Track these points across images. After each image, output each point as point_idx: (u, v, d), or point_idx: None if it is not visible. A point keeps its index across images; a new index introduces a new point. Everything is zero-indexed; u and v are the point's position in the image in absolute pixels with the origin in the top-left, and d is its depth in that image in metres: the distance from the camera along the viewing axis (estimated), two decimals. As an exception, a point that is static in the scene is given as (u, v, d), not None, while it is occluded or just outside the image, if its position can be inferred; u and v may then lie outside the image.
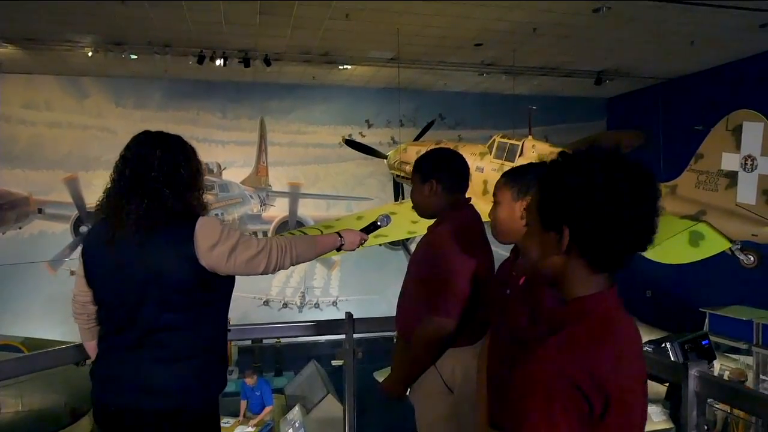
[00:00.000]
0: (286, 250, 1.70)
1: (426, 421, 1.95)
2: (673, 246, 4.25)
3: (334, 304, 9.60)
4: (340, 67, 8.23)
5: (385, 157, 8.12)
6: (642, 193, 0.94)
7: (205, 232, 1.57)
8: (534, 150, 5.73)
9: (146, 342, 1.56)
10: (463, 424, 1.87)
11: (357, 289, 9.53)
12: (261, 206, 9.45)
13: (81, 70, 8.37)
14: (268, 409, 6.21)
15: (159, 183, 1.56)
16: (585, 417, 0.87)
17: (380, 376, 5.14)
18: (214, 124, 9.14)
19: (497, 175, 6.65)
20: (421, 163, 2.02)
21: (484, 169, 6.18)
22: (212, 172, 9.08)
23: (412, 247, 8.21)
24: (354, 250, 1.97)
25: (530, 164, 1.72)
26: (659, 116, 8.39)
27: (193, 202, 1.62)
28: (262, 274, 1.68)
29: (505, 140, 6.04)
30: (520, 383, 0.91)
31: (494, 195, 1.68)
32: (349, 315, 2.36)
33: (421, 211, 2.04)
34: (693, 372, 1.63)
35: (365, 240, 2.00)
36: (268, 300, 9.40)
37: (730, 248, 4.40)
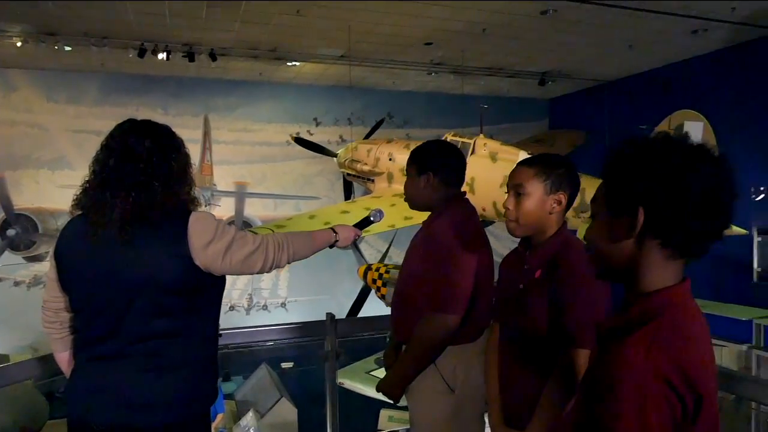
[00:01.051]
0: (283, 247, 1.62)
1: (425, 422, 1.89)
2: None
3: (283, 305, 9.42)
4: (289, 64, 8.08)
5: (335, 155, 8.04)
6: (720, 173, 0.93)
7: (199, 229, 1.47)
8: (485, 148, 5.81)
9: (134, 351, 1.43)
10: (465, 424, 1.83)
11: (306, 290, 9.39)
12: (205, 206, 9.15)
13: (8, 61, 7.83)
14: (220, 416, 6.00)
15: (148, 175, 1.43)
16: (677, 422, 0.82)
17: (343, 375, 5.07)
18: (155, 121, 8.75)
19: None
20: (418, 154, 1.98)
21: (437, 167, 6.21)
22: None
23: (362, 247, 8.16)
24: (347, 246, 1.91)
25: (556, 156, 1.70)
26: (605, 116, 8.71)
27: (183, 196, 1.50)
28: (258, 272, 1.59)
29: (457, 138, 6.09)
30: (605, 387, 0.85)
31: (517, 186, 1.62)
32: (330, 316, 2.28)
33: (415, 203, 2.00)
34: None
35: (359, 236, 1.94)
36: (214, 303, 9.10)
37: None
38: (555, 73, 8.97)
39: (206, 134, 9.10)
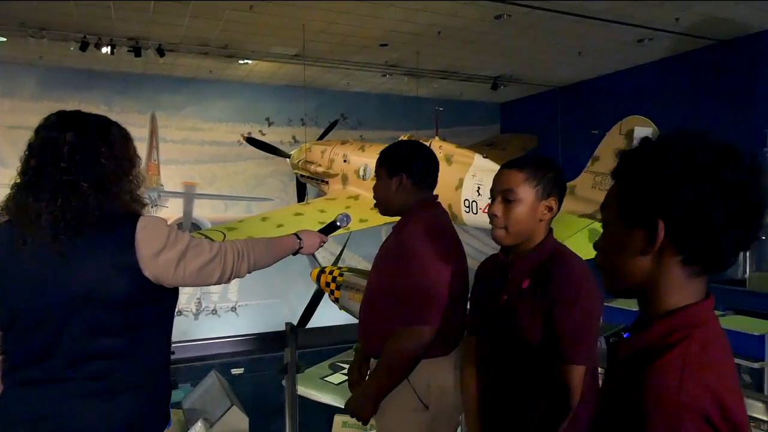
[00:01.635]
0: (243, 255, 1.48)
1: None
2: (575, 243, 4.44)
3: (233, 309, 9.18)
4: (240, 62, 7.88)
5: (288, 156, 7.88)
6: (753, 175, 0.81)
7: (148, 236, 1.32)
8: (441, 150, 5.79)
9: (74, 374, 1.27)
10: None
11: (257, 294, 9.17)
12: (152, 207, 8.79)
13: (-65, 52, 7.34)
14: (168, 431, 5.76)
15: (72, 175, 1.27)
16: None
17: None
18: (98, 118, 8.38)
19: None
20: (389, 155, 1.88)
21: (392, 169, 6.17)
22: (96, 170, 8.35)
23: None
24: (312, 253, 1.80)
25: (544, 158, 1.61)
26: (555, 121, 8.90)
27: (123, 197, 1.35)
28: (215, 284, 1.45)
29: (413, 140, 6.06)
30: (633, 420, 0.75)
31: (506, 191, 1.51)
32: (290, 326, 2.16)
33: (385, 207, 1.89)
34: None
35: (324, 242, 1.82)
36: (160, 308, 8.77)
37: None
38: (507, 78, 9.10)
39: (153, 133, 8.76)
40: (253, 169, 9.26)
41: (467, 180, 5.51)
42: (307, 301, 7.53)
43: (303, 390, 5.10)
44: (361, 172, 6.48)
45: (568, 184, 5.01)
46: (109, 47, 6.71)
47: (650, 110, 4.68)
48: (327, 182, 7.05)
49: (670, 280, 0.85)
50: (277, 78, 8.91)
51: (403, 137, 6.22)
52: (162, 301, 1.39)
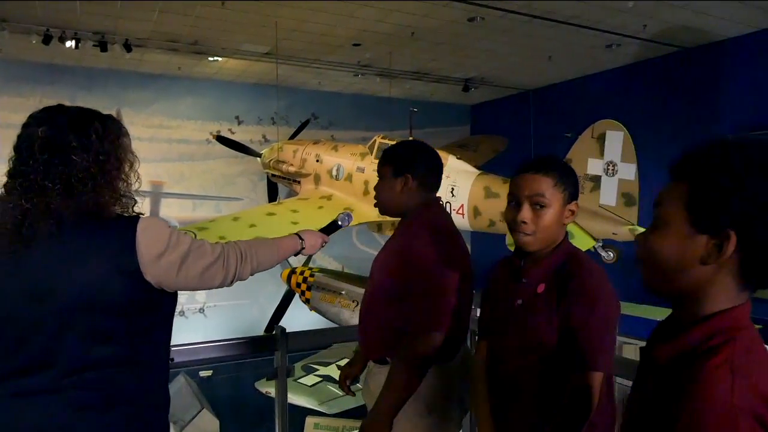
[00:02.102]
0: (246, 257, 1.42)
1: None
2: (549, 245, 4.51)
3: (201, 311, 9.01)
4: (210, 59, 7.73)
5: (259, 155, 7.78)
6: None
7: (149, 238, 1.25)
8: (415, 152, 5.82)
9: (70, 384, 1.19)
10: None
11: (226, 295, 9.01)
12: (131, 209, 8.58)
13: None
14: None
15: (39, 174, 1.19)
16: None
17: (269, 384, 4.85)
18: (60, 114, 8.11)
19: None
20: (395, 154, 1.84)
21: (365, 169, 6.14)
22: (58, 168, 8.08)
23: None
24: (314, 253, 1.75)
25: (560, 160, 1.60)
26: (524, 124, 9.01)
27: (100, 199, 1.25)
28: (217, 287, 1.39)
29: (386, 141, 6.05)
30: (682, 424, 0.73)
31: (537, 196, 1.48)
32: (281, 330, 2.10)
33: (387, 208, 1.85)
34: None
35: (326, 242, 1.78)
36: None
37: (594, 246, 4.78)
38: (478, 80, 9.17)
39: (118, 130, 8.54)
40: (222, 168, 9.11)
41: (442, 181, 5.53)
42: (277, 303, 7.46)
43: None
44: (334, 172, 6.44)
45: (541, 186, 5.13)
46: (73, 41, 6.49)
47: (617, 114, 4.77)
48: (299, 182, 6.99)
49: (721, 288, 0.83)
50: (248, 76, 8.79)
51: (377, 138, 6.22)
52: (162, 306, 1.33)
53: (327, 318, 7.14)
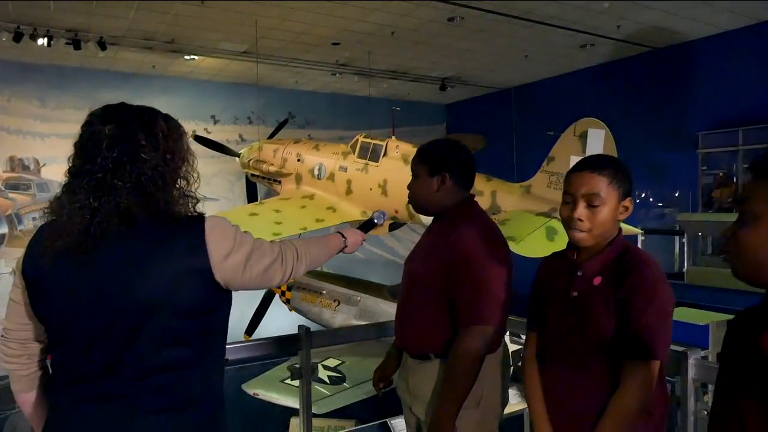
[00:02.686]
0: (302, 256, 1.42)
1: None
2: (534, 241, 4.58)
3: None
4: (186, 58, 7.63)
5: (238, 155, 7.69)
6: None
7: (218, 238, 1.23)
8: (398, 150, 5.83)
9: (141, 388, 1.16)
10: None
11: (204, 296, 8.90)
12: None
13: None
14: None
15: (108, 172, 1.16)
16: None
17: (256, 385, 4.84)
18: (30, 114, 7.86)
19: (361, 175, 6.51)
20: (430, 153, 1.85)
21: (348, 168, 6.14)
22: (28, 169, 7.86)
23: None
24: (354, 251, 1.76)
25: (613, 157, 1.62)
26: (499, 122, 9.12)
27: (169, 198, 1.23)
28: (276, 285, 1.40)
29: (369, 140, 6.06)
30: None
31: (592, 195, 1.51)
32: (306, 329, 2.09)
33: (423, 206, 1.87)
34: (691, 360, 1.72)
35: (364, 240, 1.80)
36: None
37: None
38: (455, 79, 9.25)
39: (91, 130, 8.34)
40: (198, 168, 8.97)
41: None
42: (258, 303, 7.39)
43: (264, 394, 5.01)
44: (316, 172, 6.42)
45: (523, 183, 5.19)
46: (45, 39, 6.32)
47: (590, 112, 4.87)
48: (279, 182, 6.93)
49: None
50: (224, 75, 8.70)
51: (359, 137, 6.22)
52: (225, 306, 1.30)
53: (308, 318, 7.11)
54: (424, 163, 1.85)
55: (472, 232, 1.73)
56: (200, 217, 1.26)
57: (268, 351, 2.04)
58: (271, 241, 1.39)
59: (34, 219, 7.86)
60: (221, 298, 1.28)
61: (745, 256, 0.97)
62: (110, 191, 1.17)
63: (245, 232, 1.33)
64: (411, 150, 5.85)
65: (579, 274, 1.55)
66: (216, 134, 8.95)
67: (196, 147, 7.09)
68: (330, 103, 9.96)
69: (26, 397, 1.32)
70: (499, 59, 8.00)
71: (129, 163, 1.19)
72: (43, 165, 8.04)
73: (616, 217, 1.54)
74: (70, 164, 1.23)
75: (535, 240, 4.67)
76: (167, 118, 1.29)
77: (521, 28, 6.60)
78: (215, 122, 9.23)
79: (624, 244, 1.57)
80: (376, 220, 1.91)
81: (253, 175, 7.32)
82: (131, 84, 8.40)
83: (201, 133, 8.71)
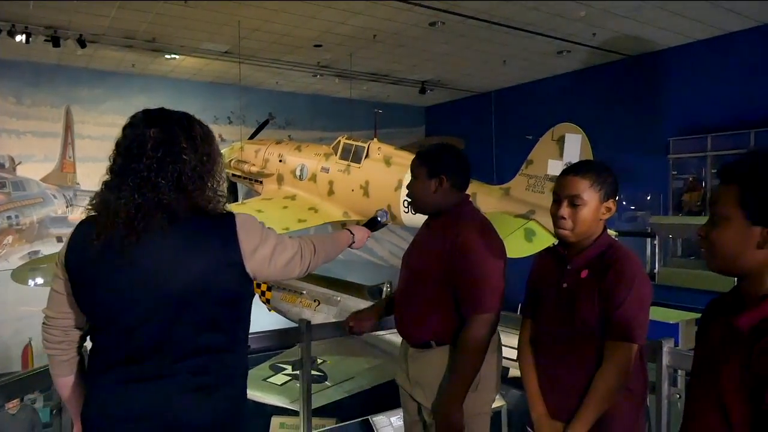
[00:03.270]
0: (317, 251, 1.54)
1: None
2: (513, 242, 4.71)
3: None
4: (167, 57, 7.60)
5: (218, 155, 7.69)
6: None
7: (248, 232, 1.35)
8: (380, 152, 5.91)
9: (179, 369, 1.27)
10: (485, 420, 1.89)
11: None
12: (67, 207, 8.28)
13: None
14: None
15: (152, 171, 1.26)
16: None
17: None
18: (5, 111, 7.73)
19: (343, 176, 6.57)
20: (430, 156, 1.96)
21: (330, 169, 6.20)
22: (3, 167, 7.74)
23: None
24: (360, 247, 1.86)
25: (600, 163, 1.77)
26: (477, 125, 9.27)
27: (203, 194, 1.33)
28: (294, 278, 1.50)
29: (351, 142, 6.13)
30: None
31: (573, 197, 1.67)
32: (306, 322, 2.15)
33: (422, 206, 1.99)
34: (665, 349, 1.90)
35: (370, 236, 1.91)
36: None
37: (553, 243, 5.02)
38: (435, 83, 9.39)
39: (68, 128, 8.24)
40: (177, 167, 8.93)
41: (406, 181, 5.65)
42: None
43: (248, 392, 5.03)
44: (298, 172, 6.47)
45: (502, 186, 5.31)
46: (24, 35, 6.24)
47: (567, 117, 5.02)
48: (261, 182, 6.96)
49: None
50: (204, 74, 8.68)
51: (341, 139, 6.28)
52: (251, 296, 1.42)
53: (288, 318, 7.14)
54: (423, 166, 1.97)
55: (472, 229, 1.87)
56: (231, 214, 1.37)
57: (270, 344, 2.11)
58: (290, 237, 1.48)
59: (9, 218, 7.74)
60: (249, 289, 1.39)
61: (717, 252, 1.12)
62: (153, 188, 1.26)
63: (269, 228, 1.44)
64: (393, 152, 5.93)
65: (568, 267, 1.72)
66: (195, 134, 8.92)
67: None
68: (310, 104, 10.01)
69: (65, 380, 1.42)
70: (479, 64, 8.15)
71: (171, 163, 1.29)
72: (19, 163, 7.92)
73: (598, 217, 1.70)
74: (112, 163, 1.32)
75: (515, 241, 4.80)
76: (201, 123, 1.38)
77: (501, 34, 6.75)
78: (195, 122, 9.18)
79: (608, 241, 1.74)
80: (379, 218, 2.01)
81: (234, 175, 7.33)
82: (109, 82, 8.33)
83: (180, 132, 8.67)
